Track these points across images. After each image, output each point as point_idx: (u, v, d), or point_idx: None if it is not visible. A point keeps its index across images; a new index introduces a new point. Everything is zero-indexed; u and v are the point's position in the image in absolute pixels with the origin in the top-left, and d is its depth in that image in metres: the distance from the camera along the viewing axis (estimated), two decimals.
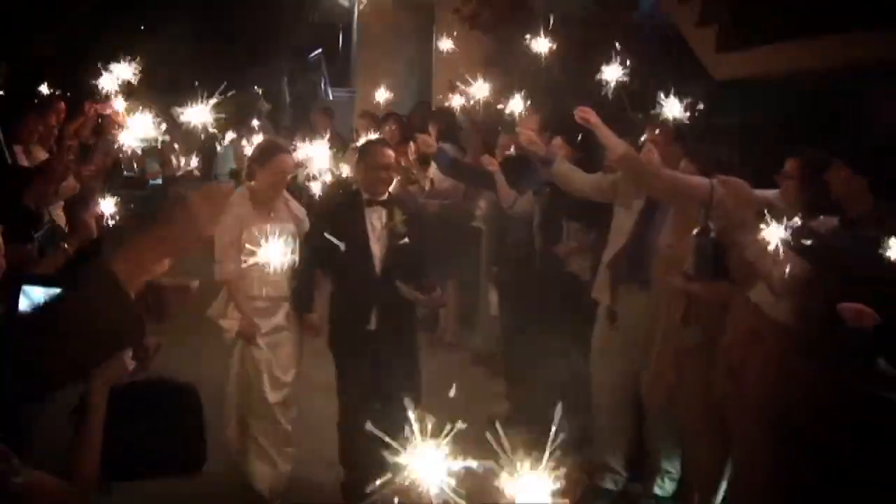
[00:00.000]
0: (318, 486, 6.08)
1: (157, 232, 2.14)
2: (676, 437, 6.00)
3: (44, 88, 7.70)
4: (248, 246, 5.40)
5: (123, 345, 2.14)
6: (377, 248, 5.67)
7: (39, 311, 2.05)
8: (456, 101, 7.52)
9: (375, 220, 5.70)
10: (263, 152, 5.75)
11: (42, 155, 6.34)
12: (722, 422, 5.38)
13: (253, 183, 5.69)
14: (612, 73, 5.60)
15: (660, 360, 5.70)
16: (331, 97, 22.64)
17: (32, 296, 2.27)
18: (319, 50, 23.49)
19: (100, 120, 6.75)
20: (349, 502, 5.76)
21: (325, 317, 5.91)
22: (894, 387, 4.62)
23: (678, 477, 6.09)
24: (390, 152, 5.89)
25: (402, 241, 5.68)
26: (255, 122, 12.51)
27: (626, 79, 5.63)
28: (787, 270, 4.59)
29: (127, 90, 5.31)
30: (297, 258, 5.42)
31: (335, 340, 5.85)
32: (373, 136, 8.54)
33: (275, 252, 4.69)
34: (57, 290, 2.13)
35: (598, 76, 5.60)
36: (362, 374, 5.63)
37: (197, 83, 4.96)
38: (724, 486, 5.65)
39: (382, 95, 11.06)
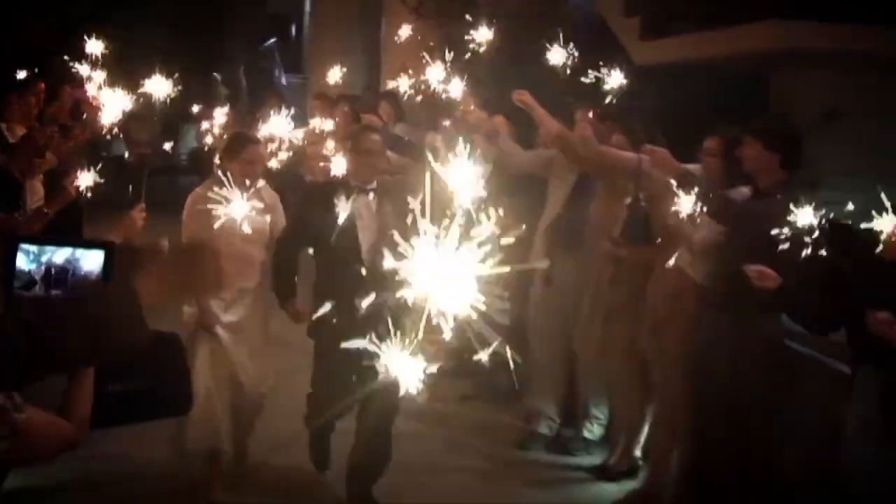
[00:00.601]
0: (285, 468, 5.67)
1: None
2: (605, 386, 6.11)
3: (22, 73, 7.54)
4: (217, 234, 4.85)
5: (123, 358, 2.13)
6: (365, 237, 5.04)
7: (59, 308, 2.01)
8: (405, 84, 7.47)
9: (363, 209, 5.07)
10: (233, 144, 5.26)
11: (22, 133, 6.21)
12: (645, 372, 5.51)
13: (225, 174, 5.08)
14: (549, 59, 5.66)
15: (590, 318, 5.80)
16: (284, 83, 22.46)
17: (29, 252, 2.26)
18: (274, 39, 23.30)
19: (77, 104, 6.65)
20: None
21: (309, 304, 5.27)
22: (795, 337, 4.79)
23: (606, 422, 6.20)
24: (376, 138, 5.26)
25: (391, 231, 5.00)
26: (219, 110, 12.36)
27: (560, 63, 5.68)
28: (705, 235, 4.70)
29: (100, 69, 5.23)
30: (271, 247, 5.19)
31: (317, 329, 5.15)
32: (328, 119, 8.54)
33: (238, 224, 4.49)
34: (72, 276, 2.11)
35: (536, 61, 5.65)
36: (341, 362, 4.78)
37: (161, 67, 4.94)
38: (646, 429, 5.80)
39: (334, 79, 10.95)
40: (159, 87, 5.10)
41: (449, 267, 1.91)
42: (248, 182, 5.05)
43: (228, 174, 5.00)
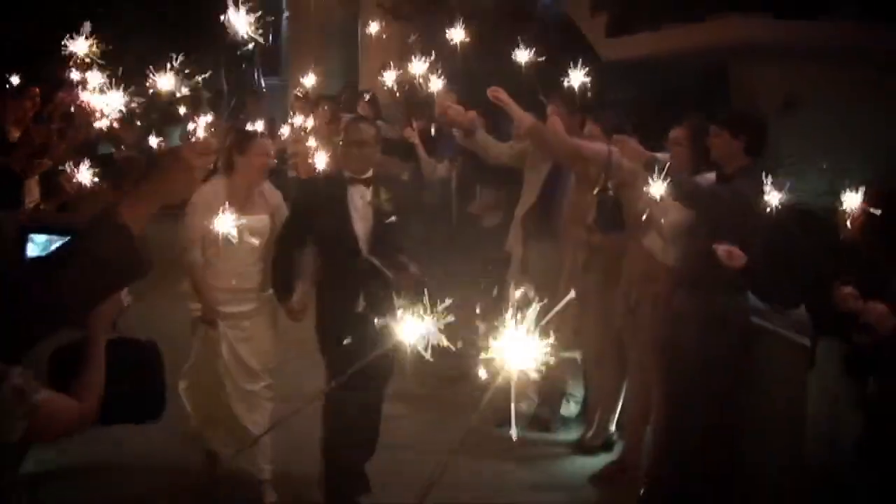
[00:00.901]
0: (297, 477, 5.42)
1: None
2: (580, 366, 6.15)
3: (16, 78, 7.47)
4: (218, 235, 4.34)
5: (131, 280, 2.13)
6: (361, 227, 4.89)
7: (56, 255, 2.04)
8: (386, 82, 7.45)
9: (358, 199, 4.90)
10: (242, 139, 5.07)
11: (18, 136, 6.17)
12: (619, 352, 5.56)
13: (232, 173, 5.01)
14: (521, 56, 5.67)
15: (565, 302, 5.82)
16: (263, 85, 22.34)
17: (38, 242, 2.28)
18: (252, 43, 23.14)
19: (70, 107, 6.59)
20: (328, 492, 5.07)
21: (310, 301, 5.13)
22: (760, 314, 4.85)
23: (581, 400, 6.25)
24: (367, 128, 5.08)
25: (389, 220, 4.94)
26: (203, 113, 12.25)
27: (531, 61, 5.70)
28: (674, 219, 4.75)
29: (91, 71, 5.17)
30: (271, 247, 5.01)
31: (321, 323, 5.02)
32: (309, 118, 8.53)
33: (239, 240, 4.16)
34: (69, 238, 2.12)
35: (508, 59, 5.67)
36: (349, 356, 4.33)
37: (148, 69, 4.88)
38: (620, 406, 5.85)
39: (313, 80, 10.89)
40: (167, 83, 5.00)
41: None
42: (258, 176, 5.00)
43: (237, 170, 4.95)
